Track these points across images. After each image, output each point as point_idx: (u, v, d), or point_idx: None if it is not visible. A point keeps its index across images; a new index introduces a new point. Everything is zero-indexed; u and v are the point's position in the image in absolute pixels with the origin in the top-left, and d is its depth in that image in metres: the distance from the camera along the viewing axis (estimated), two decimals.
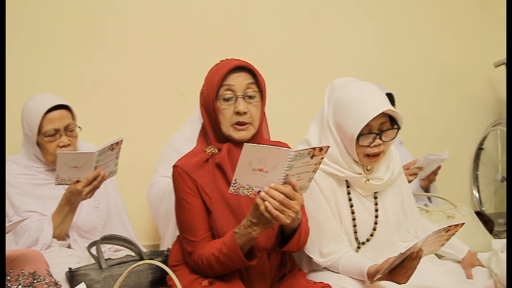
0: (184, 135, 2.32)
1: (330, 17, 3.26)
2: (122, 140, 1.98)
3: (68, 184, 1.97)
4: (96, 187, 1.98)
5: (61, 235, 2.05)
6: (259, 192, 1.48)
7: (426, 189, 2.93)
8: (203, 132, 1.80)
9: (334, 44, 3.27)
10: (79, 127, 2.18)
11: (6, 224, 1.61)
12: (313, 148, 1.46)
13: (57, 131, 2.10)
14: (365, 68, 3.25)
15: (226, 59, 1.78)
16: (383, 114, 1.74)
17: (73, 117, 2.17)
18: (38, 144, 2.12)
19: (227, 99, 1.70)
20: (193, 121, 2.31)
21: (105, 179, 1.99)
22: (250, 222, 1.53)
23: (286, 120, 2.87)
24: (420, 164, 2.66)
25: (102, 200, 2.22)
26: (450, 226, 1.56)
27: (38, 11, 2.70)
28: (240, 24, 3.06)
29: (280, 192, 1.46)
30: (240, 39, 3.03)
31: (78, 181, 1.95)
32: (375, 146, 1.76)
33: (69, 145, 2.11)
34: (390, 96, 2.75)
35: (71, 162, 1.91)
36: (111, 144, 1.95)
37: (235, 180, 1.47)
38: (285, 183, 1.48)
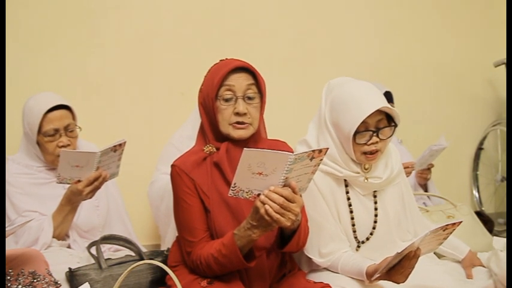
0: (186, 133, 2.32)
1: (329, 17, 3.27)
2: (125, 142, 1.97)
3: (69, 183, 1.96)
4: (97, 188, 1.97)
5: (61, 235, 2.04)
6: (258, 195, 1.48)
7: (424, 186, 2.96)
8: (201, 131, 1.80)
9: (334, 43, 3.27)
10: (79, 127, 2.18)
11: (8, 226, 1.60)
12: (313, 150, 1.45)
13: (57, 131, 2.10)
14: (365, 67, 3.25)
15: (227, 59, 1.77)
16: (379, 111, 1.74)
17: (73, 117, 2.17)
18: (38, 143, 2.12)
19: (227, 100, 1.69)
20: (195, 119, 2.30)
21: (106, 180, 1.99)
22: (250, 225, 1.53)
23: (285, 120, 2.87)
24: (425, 157, 2.72)
25: (103, 199, 2.22)
26: (448, 225, 1.55)
27: (37, 10, 2.70)
28: (240, 24, 3.06)
29: (280, 195, 1.46)
30: (239, 39, 3.03)
31: (79, 181, 1.95)
32: (372, 143, 1.75)
33: (68, 145, 2.11)
34: (388, 95, 2.77)
35: (73, 161, 1.90)
36: (114, 146, 1.94)
37: (235, 184, 1.46)
38: (284, 185, 1.48)
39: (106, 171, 1.97)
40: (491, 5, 3.63)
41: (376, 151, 1.77)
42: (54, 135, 2.10)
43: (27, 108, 2.13)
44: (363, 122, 1.72)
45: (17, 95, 2.38)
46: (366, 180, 1.82)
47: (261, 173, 1.44)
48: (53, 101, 2.11)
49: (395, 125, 1.79)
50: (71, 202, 2.01)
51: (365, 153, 1.77)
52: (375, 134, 1.75)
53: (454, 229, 1.59)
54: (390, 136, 1.79)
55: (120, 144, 1.96)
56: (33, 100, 2.14)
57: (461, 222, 1.59)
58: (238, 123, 1.69)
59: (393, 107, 2.73)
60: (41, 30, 2.71)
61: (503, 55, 3.29)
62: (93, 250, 1.89)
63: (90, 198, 2.00)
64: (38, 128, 2.08)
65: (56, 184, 1.98)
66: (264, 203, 1.46)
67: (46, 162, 2.15)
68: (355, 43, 3.32)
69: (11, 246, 1.96)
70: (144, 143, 2.80)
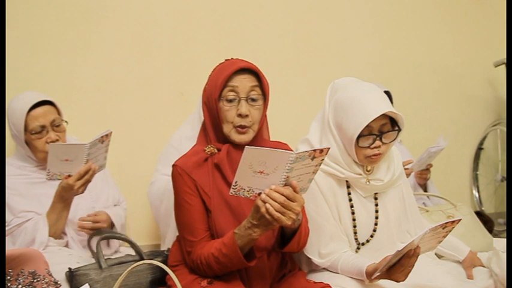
0: (185, 133, 2.32)
1: (331, 17, 3.26)
2: (111, 133, 1.96)
3: (59, 179, 1.94)
4: (88, 181, 1.96)
5: (57, 233, 2.03)
6: (259, 194, 1.48)
7: (424, 186, 2.96)
8: (203, 131, 1.79)
9: (335, 43, 3.27)
10: (65, 121, 2.17)
11: (6, 227, 1.60)
12: (314, 150, 1.45)
13: (43, 127, 2.10)
14: (366, 67, 3.25)
15: (232, 59, 1.76)
16: (384, 115, 1.73)
17: (58, 112, 2.16)
18: (27, 143, 2.11)
19: (230, 101, 1.69)
20: (194, 120, 2.31)
21: (95, 173, 1.97)
22: (251, 224, 1.53)
23: (286, 120, 2.87)
24: (423, 159, 2.73)
25: (100, 200, 2.22)
26: (447, 223, 1.55)
27: (36, 10, 2.69)
28: (240, 24, 3.05)
29: (281, 194, 1.46)
30: (240, 38, 3.03)
31: (69, 176, 1.93)
32: (375, 147, 1.75)
33: (57, 140, 2.11)
34: (387, 94, 2.77)
35: (62, 154, 1.88)
36: (101, 137, 1.93)
37: (236, 182, 1.47)
38: (285, 185, 1.48)
39: (95, 164, 1.96)
40: (491, 5, 3.63)
41: (379, 154, 1.77)
42: (41, 131, 2.09)
43: (10, 110, 2.13)
44: (367, 126, 1.71)
45: (14, 96, 2.38)
46: (367, 182, 1.82)
47: (262, 172, 1.44)
48: (34, 98, 2.11)
49: (399, 129, 1.78)
50: (63, 199, 2.00)
51: (367, 156, 1.77)
52: (378, 138, 1.75)
53: (454, 227, 1.59)
54: (394, 140, 1.79)
55: (106, 135, 1.95)
56: (15, 101, 2.14)
57: (460, 220, 1.59)
58: (240, 127, 1.69)
59: (392, 106, 2.73)
60: (41, 30, 2.70)
61: (503, 55, 3.29)
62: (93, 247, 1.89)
63: (82, 192, 1.98)
64: (24, 127, 2.08)
65: (51, 182, 1.97)
66: (265, 202, 1.47)
67: (38, 160, 2.14)
68: (357, 43, 3.32)
69: (9, 248, 1.95)
70: (144, 143, 2.80)
